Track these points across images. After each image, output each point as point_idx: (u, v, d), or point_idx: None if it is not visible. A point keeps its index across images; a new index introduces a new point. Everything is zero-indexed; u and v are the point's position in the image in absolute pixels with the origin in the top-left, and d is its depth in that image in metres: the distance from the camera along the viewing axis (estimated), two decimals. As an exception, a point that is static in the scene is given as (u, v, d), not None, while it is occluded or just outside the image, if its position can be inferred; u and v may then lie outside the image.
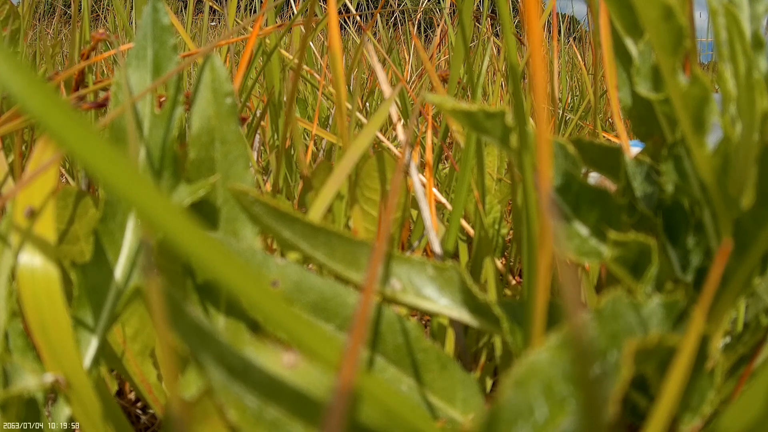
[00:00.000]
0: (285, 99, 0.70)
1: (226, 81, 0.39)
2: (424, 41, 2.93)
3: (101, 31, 0.45)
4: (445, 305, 0.34)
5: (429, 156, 0.53)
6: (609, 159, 0.37)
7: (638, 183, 0.35)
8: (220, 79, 0.39)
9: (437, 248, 0.44)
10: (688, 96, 0.27)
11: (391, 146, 0.67)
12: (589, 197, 0.32)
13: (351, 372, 0.17)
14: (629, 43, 0.32)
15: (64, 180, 0.93)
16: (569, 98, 1.80)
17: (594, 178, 0.42)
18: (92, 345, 0.31)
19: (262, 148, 0.84)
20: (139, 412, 0.54)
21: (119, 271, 0.33)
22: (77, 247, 0.38)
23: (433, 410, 0.32)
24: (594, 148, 0.37)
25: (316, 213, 0.38)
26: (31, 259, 0.30)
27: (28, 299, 0.29)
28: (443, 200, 0.59)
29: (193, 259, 0.15)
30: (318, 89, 0.83)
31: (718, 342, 0.29)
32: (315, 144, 1.01)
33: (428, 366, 0.33)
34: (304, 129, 0.81)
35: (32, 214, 0.30)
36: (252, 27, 0.57)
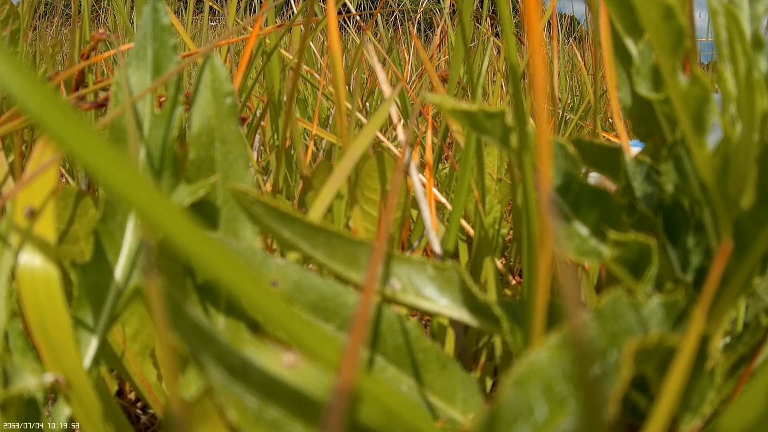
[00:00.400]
0: (285, 99, 0.70)
1: (226, 81, 0.39)
2: (424, 41, 2.93)
3: (101, 31, 0.45)
4: (445, 305, 0.34)
5: (429, 156, 0.53)
6: (609, 159, 0.37)
7: (638, 183, 0.35)
8: (220, 79, 0.39)
9: (437, 248, 0.44)
10: (688, 96, 0.27)
11: (392, 146, 0.67)
12: (589, 197, 0.32)
13: (351, 372, 0.17)
14: (629, 43, 0.32)
15: (64, 180, 0.93)
16: (569, 98, 1.80)
17: (594, 178, 0.42)
18: (92, 345, 0.31)
19: (262, 148, 0.84)
20: (139, 412, 0.54)
21: (119, 271, 0.33)
22: (77, 247, 0.38)
23: (433, 410, 0.32)
24: (594, 148, 0.37)
25: (316, 213, 0.38)
26: (31, 259, 0.30)
27: (28, 299, 0.29)
28: (443, 200, 0.59)
29: (193, 259, 0.15)
30: (318, 89, 0.83)
31: (718, 342, 0.29)
32: (315, 144, 1.01)
33: (428, 366, 0.33)
34: (304, 129, 0.81)
35: (32, 214, 0.30)
36: (252, 27, 0.57)
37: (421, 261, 0.34)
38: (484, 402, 0.33)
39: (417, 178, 0.48)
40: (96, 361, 0.30)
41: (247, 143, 0.40)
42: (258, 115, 0.69)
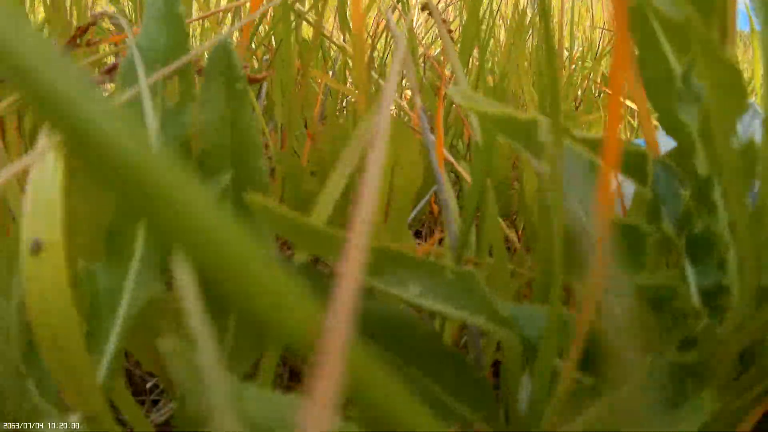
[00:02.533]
0: (296, 47, 0.67)
1: (238, 66, 0.37)
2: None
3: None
4: (462, 310, 0.34)
5: (441, 131, 0.51)
6: (636, 163, 0.36)
7: (663, 190, 0.34)
8: (232, 64, 0.37)
9: (451, 236, 0.44)
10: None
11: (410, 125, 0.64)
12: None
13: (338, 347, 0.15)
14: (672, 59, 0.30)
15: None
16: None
17: (627, 186, 0.41)
18: (107, 355, 0.30)
19: (265, 98, 0.81)
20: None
21: (131, 275, 0.32)
22: (89, 248, 0.37)
23: (448, 411, 0.33)
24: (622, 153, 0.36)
25: (322, 211, 0.37)
26: (38, 263, 0.29)
27: (36, 309, 0.28)
28: (462, 171, 0.57)
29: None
30: (328, 38, 0.79)
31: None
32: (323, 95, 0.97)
33: (445, 368, 0.33)
34: (314, 80, 0.78)
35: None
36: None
37: (439, 265, 0.34)
38: (497, 404, 0.34)
39: (434, 157, 0.47)
40: (110, 371, 0.29)
41: (264, 124, 0.39)
42: (267, 62, 0.66)
